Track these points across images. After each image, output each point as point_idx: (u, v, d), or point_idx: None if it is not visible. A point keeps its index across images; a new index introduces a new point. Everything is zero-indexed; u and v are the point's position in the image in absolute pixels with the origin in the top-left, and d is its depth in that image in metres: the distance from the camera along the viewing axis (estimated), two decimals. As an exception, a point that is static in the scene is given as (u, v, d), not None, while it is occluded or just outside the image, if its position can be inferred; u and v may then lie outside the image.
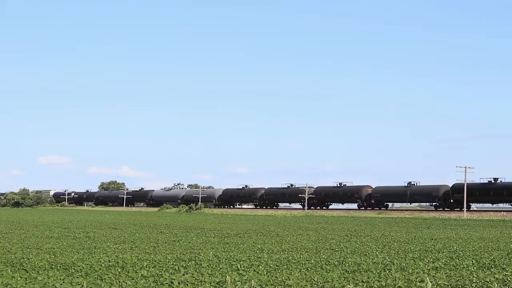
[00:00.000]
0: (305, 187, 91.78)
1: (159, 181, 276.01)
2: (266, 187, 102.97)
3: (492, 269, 15.72)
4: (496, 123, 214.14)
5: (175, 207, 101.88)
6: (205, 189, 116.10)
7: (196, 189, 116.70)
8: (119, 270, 14.87)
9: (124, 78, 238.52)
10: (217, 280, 13.01)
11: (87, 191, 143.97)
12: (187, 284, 12.57)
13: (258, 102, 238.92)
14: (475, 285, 12.93)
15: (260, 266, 15.83)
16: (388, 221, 53.43)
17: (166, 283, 12.72)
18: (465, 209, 67.74)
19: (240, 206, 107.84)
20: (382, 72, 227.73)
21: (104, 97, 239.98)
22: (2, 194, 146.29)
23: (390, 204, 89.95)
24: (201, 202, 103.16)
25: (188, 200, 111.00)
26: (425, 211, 78.00)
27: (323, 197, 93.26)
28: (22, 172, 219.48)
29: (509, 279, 13.70)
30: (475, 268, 16.11)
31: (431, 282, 12.98)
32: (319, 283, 12.88)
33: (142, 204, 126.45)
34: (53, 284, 12.32)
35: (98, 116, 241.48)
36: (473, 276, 14.01)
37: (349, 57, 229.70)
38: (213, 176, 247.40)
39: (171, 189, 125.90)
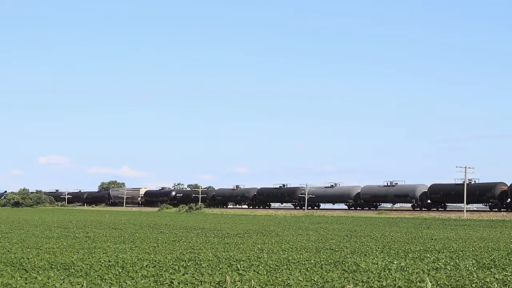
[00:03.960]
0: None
1: (160, 181, 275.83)
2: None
3: (492, 269, 15.71)
4: (496, 123, 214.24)
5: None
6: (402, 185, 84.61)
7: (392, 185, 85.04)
8: (119, 270, 14.87)
9: (124, 78, 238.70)
10: (217, 280, 13.00)
11: (211, 187, 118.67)
12: (187, 284, 12.56)
13: (258, 102, 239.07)
14: (475, 285, 12.93)
15: (260, 266, 15.82)
16: (388, 221, 53.43)
17: (166, 283, 12.72)
18: (465, 209, 67.73)
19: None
20: (382, 72, 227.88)
21: (104, 97, 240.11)
22: (2, 194, 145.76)
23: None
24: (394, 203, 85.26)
25: (367, 199, 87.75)
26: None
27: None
28: (22, 172, 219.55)
29: (509, 279, 13.69)
30: (475, 268, 16.11)
31: (431, 282, 12.97)
32: (319, 283, 12.88)
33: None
34: (53, 284, 12.31)
35: (98, 116, 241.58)
36: (473, 276, 14.00)
37: (349, 57, 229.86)
38: (213, 176, 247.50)
39: (333, 186, 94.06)
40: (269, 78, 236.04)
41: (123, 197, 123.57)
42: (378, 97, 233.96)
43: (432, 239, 28.63)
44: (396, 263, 16.77)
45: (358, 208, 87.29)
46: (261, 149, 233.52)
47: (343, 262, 17.00)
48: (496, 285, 12.86)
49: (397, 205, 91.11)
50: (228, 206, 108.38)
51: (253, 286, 12.33)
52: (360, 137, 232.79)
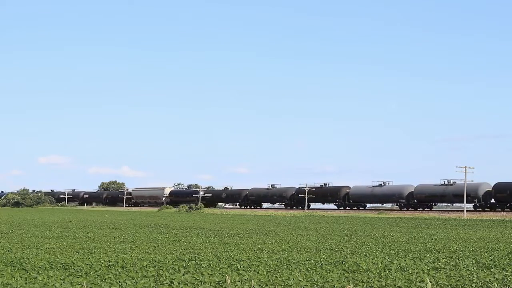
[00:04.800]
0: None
1: (160, 181, 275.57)
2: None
3: (492, 269, 15.71)
4: (496, 123, 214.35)
5: None
6: None
7: None
8: (119, 270, 14.87)
9: (124, 78, 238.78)
10: (217, 280, 13.00)
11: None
12: (187, 284, 12.57)
13: (258, 102, 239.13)
14: (475, 285, 12.92)
15: (260, 266, 15.82)
16: (388, 221, 53.42)
17: (166, 283, 12.72)
18: (464, 209, 67.70)
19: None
20: (382, 72, 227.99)
21: (104, 97, 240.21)
22: (2, 194, 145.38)
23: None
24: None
25: None
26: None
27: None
28: (22, 172, 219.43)
29: (509, 279, 13.69)
30: (475, 268, 16.11)
31: (431, 282, 12.97)
32: (319, 283, 12.88)
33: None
34: (53, 284, 12.31)
35: (98, 116, 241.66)
36: (473, 276, 14.00)
37: (349, 57, 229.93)
38: (213, 176, 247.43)
39: (381, 185, 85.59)
40: (269, 78, 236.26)
41: (146, 197, 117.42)
42: (378, 97, 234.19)
43: (432, 239, 28.62)
44: (396, 263, 16.77)
45: (410, 208, 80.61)
46: (261, 149, 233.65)
47: (343, 262, 17.00)
48: (496, 285, 12.86)
49: (456, 205, 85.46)
50: (263, 206, 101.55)
51: (253, 286, 12.33)
52: (360, 137, 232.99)
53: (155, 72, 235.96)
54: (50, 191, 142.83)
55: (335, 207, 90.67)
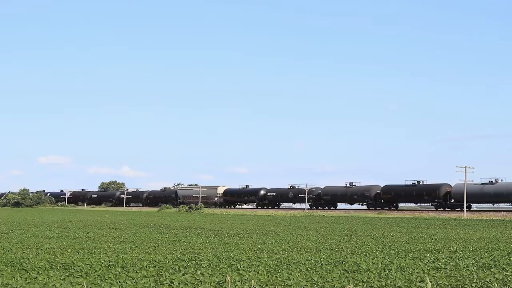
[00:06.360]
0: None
1: (159, 181, 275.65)
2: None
3: (492, 269, 15.71)
4: (496, 123, 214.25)
5: None
6: None
7: None
8: (119, 270, 14.86)
9: (124, 78, 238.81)
10: (217, 280, 13.01)
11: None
12: (187, 284, 12.57)
13: (258, 102, 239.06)
14: (475, 285, 12.93)
15: (260, 266, 15.82)
16: (388, 221, 53.42)
17: (166, 283, 12.72)
18: (465, 209, 67.73)
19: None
20: (382, 72, 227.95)
21: (104, 97, 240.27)
22: (2, 194, 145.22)
23: None
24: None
25: None
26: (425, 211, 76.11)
27: None
28: (22, 172, 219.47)
29: (509, 279, 13.69)
30: (475, 268, 16.10)
31: (431, 282, 12.97)
32: (319, 283, 12.88)
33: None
34: (53, 284, 12.31)
35: (98, 116, 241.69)
36: (473, 276, 14.00)
37: (349, 57, 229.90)
38: (213, 176, 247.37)
39: (492, 182, 74.11)
40: (269, 78, 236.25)
41: (197, 197, 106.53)
42: (378, 97, 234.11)
43: (432, 239, 28.62)
44: (396, 263, 16.77)
45: None
46: (261, 149, 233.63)
47: (343, 262, 17.00)
48: (496, 285, 12.86)
49: None
50: (338, 207, 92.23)
51: (253, 286, 12.33)
52: (360, 137, 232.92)
53: (155, 72, 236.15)
54: (80, 190, 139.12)
55: (432, 207, 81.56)
